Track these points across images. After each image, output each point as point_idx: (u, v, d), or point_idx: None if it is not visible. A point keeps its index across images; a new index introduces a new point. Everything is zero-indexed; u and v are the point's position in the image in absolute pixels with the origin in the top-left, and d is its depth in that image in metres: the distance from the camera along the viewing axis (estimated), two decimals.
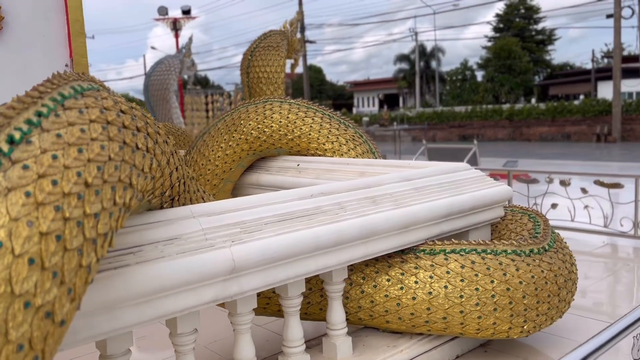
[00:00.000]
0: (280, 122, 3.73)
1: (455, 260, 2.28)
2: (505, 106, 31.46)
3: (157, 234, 1.61)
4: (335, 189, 2.18)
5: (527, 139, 28.35)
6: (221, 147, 3.82)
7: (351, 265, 2.32)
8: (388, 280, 2.29)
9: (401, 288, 2.27)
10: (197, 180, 3.87)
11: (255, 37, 5.89)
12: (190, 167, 3.93)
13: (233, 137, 3.79)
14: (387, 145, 21.81)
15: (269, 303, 2.38)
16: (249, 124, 3.76)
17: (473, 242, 2.36)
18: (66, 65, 2.81)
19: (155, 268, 1.52)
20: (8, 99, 2.54)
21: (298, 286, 2.02)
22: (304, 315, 2.42)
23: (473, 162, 6.37)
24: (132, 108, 1.53)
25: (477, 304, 2.21)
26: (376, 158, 3.80)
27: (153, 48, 43.12)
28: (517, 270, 2.27)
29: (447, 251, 2.32)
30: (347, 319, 2.37)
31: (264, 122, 3.74)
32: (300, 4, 43.23)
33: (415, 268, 2.29)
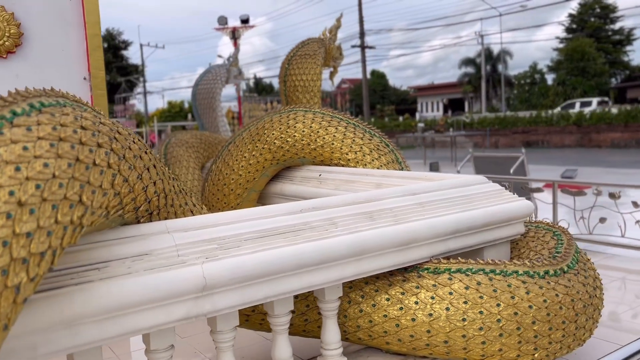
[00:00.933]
0: (303, 131, 3.68)
1: (460, 280, 2.15)
2: (573, 111, 29.97)
3: (126, 250, 1.60)
4: (329, 203, 2.10)
5: (597, 146, 26.86)
6: (245, 157, 3.82)
7: (350, 282, 2.23)
8: (387, 299, 2.18)
9: (401, 308, 2.16)
10: (220, 189, 3.89)
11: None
12: (215, 177, 3.96)
13: (257, 146, 3.79)
14: (445, 152, 21.32)
15: (264, 319, 2.33)
16: (273, 134, 3.74)
17: (481, 262, 2.21)
18: (84, 79, 2.90)
19: (120, 285, 1.50)
20: None
21: (285, 304, 1.96)
22: (303, 333, 2.35)
23: (521, 171, 6.06)
24: (100, 124, 1.53)
25: (480, 329, 2.07)
26: (402, 168, 3.69)
27: (220, 56, 44.31)
28: (528, 293, 2.11)
29: (452, 270, 2.19)
30: (346, 338, 2.29)
31: (287, 131, 3.71)
32: (360, 10, 43.23)
33: (417, 287, 2.17)
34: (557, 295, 2.14)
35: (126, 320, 1.53)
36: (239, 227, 1.83)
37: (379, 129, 3.93)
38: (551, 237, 2.57)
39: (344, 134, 3.67)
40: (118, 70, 34.23)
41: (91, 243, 1.56)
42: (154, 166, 1.75)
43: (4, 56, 2.67)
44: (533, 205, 2.61)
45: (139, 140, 1.74)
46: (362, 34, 44.36)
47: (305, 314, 2.28)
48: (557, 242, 2.50)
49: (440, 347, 2.12)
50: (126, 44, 38.36)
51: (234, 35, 22.00)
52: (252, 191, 3.91)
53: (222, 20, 22.21)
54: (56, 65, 2.82)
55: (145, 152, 1.72)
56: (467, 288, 2.12)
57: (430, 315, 2.11)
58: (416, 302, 2.14)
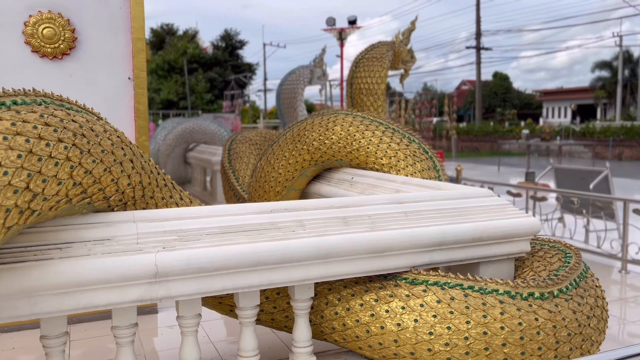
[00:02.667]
0: (341, 134, 3.74)
1: (434, 293, 2.11)
2: None
3: (90, 234, 1.80)
4: (302, 206, 2.17)
5: None
6: (285, 157, 3.96)
7: (330, 284, 2.28)
8: (361, 305, 2.20)
9: (372, 315, 2.16)
10: (262, 186, 4.07)
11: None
12: (258, 174, 4.15)
13: (297, 147, 3.91)
14: (555, 161, 19.96)
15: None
16: (312, 135, 3.84)
17: (461, 277, 2.15)
18: (129, 78, 3.20)
19: (77, 264, 1.70)
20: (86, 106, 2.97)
21: (250, 298, 2.06)
22: (285, 329, 2.44)
23: (604, 187, 5.54)
24: (72, 121, 1.73)
25: (447, 344, 2.02)
26: (439, 175, 3.63)
27: (338, 56, 45.07)
28: (502, 314, 2.02)
29: (429, 283, 2.15)
30: (324, 339, 2.34)
31: (325, 133, 3.79)
32: (478, 9, 41.76)
33: (390, 296, 2.16)
34: (536, 319, 2.02)
35: (82, 297, 1.72)
36: (204, 222, 1.96)
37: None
38: (559, 258, 2.42)
39: (380, 139, 3.68)
40: (232, 68, 36.25)
41: (60, 225, 1.78)
42: (131, 161, 1.93)
43: (60, 57, 3.04)
44: (539, 223, 2.45)
45: (117, 138, 1.93)
46: (478, 35, 42.79)
47: (286, 310, 2.36)
48: (562, 264, 2.34)
49: (407, 358, 2.10)
50: (242, 44, 40.51)
51: (341, 36, 22.35)
52: (292, 190, 4.04)
53: (330, 22, 22.66)
54: (105, 66, 3.15)
55: (122, 149, 1.91)
56: (439, 302, 2.08)
57: (399, 325, 2.10)
58: (387, 311, 2.14)
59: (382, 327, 2.13)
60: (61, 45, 3.01)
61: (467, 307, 2.05)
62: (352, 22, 22.58)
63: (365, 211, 2.21)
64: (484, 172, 15.72)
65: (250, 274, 1.93)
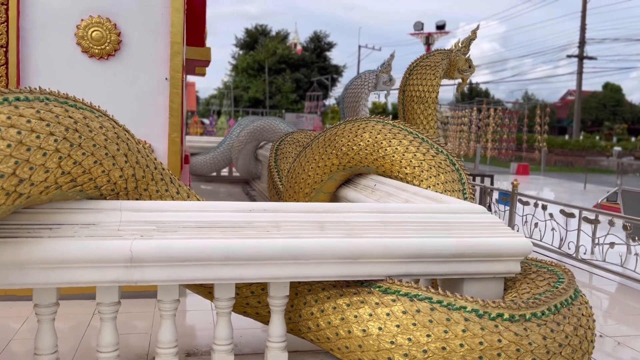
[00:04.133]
0: (368, 141, 3.80)
1: (402, 304, 2.14)
2: None
3: (79, 218, 2.02)
4: (282, 208, 2.27)
5: None
6: (315, 160, 4.08)
7: (310, 285, 2.37)
8: (334, 308, 2.27)
9: (342, 319, 2.23)
10: (292, 186, 4.21)
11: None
12: (290, 175, 4.30)
13: (326, 151, 4.01)
14: None
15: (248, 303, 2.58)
16: (341, 141, 3.93)
17: (432, 291, 2.16)
18: (166, 79, 3.46)
19: (62, 244, 1.93)
20: (123, 104, 3.29)
21: (225, 290, 2.20)
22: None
23: None
24: (68, 117, 1.96)
25: (405, 355, 2.05)
26: (464, 188, 3.59)
27: None
28: (464, 331, 2.01)
29: (400, 293, 2.18)
30: (302, 337, 2.43)
31: (354, 139, 3.86)
32: (583, 16, 39.51)
33: (362, 302, 2.22)
34: (499, 340, 2.00)
35: (66, 273, 1.95)
36: (183, 216, 2.13)
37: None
38: (548, 282, 2.34)
39: (407, 148, 3.69)
40: (319, 70, 36.92)
41: (53, 208, 2.02)
42: (125, 155, 2.14)
43: (106, 58, 3.36)
44: (530, 245, 2.38)
45: (114, 134, 2.14)
46: (581, 43, 40.45)
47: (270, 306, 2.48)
48: (549, 288, 2.27)
49: None
50: (330, 46, 41.20)
51: (428, 41, 22.06)
52: (320, 192, 4.15)
53: (418, 26, 22.43)
54: (145, 67, 3.43)
55: (116, 144, 2.12)
56: (404, 312, 2.11)
57: (364, 331, 2.15)
58: (355, 316, 2.19)
59: (349, 332, 2.19)
60: (107, 47, 3.33)
61: (430, 321, 2.06)
62: (441, 27, 22.22)
63: (345, 218, 2.28)
64: (567, 189, 14.86)
65: (220, 267, 2.07)
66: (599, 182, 16.54)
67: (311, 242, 2.14)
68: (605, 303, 4.60)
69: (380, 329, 2.12)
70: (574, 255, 5.17)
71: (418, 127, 5.75)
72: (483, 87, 50.99)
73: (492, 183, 9.24)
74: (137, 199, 2.24)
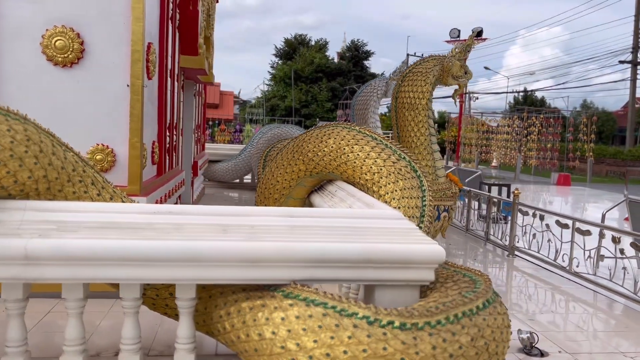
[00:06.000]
0: (332, 147, 3.79)
1: (298, 308, 2.12)
2: None
3: None
4: (188, 210, 2.30)
5: None
6: (283, 165, 4.09)
7: (222, 288, 2.38)
8: (239, 311, 2.27)
9: (244, 322, 2.23)
10: (262, 192, 4.23)
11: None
12: (262, 180, 4.33)
13: (294, 157, 4.02)
14: None
15: (167, 304, 2.62)
16: (308, 147, 3.93)
17: (329, 296, 2.13)
18: (127, 85, 3.56)
19: None
20: (87, 110, 3.41)
21: (130, 290, 2.24)
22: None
23: None
24: None
25: None
26: (424, 195, 3.53)
27: (486, 68, 43.80)
28: (350, 338, 1.98)
29: (299, 297, 2.16)
30: (218, 339, 2.44)
31: (319, 145, 3.86)
32: (637, 19, 37.90)
33: (263, 306, 2.21)
34: (384, 348, 1.95)
35: None
36: (86, 216, 2.19)
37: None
38: (460, 290, 2.27)
39: (368, 154, 3.66)
40: (355, 78, 36.89)
41: None
42: (35, 157, 2.22)
43: (69, 66, 3.50)
44: (443, 252, 2.30)
45: (24, 137, 2.23)
46: (635, 48, 38.83)
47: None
48: (457, 296, 2.20)
49: None
50: (368, 54, 41.09)
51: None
52: (290, 198, 4.15)
53: (454, 33, 22.12)
54: (108, 74, 3.55)
55: (25, 147, 2.20)
56: (297, 317, 2.09)
57: (260, 335, 2.14)
58: (254, 320, 2.19)
59: (247, 335, 2.19)
60: (70, 55, 3.47)
61: (319, 327, 2.03)
62: (477, 34, 21.81)
63: (250, 221, 2.29)
64: (603, 201, 14.21)
65: (118, 267, 2.11)
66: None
67: (210, 245, 2.15)
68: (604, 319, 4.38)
69: (273, 333, 2.10)
70: (567, 267, 4.95)
71: (409, 134, 5.68)
72: (539, 95, 49.40)
73: (508, 193, 8.97)
74: (51, 200, 2.32)
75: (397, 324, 2.01)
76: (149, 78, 3.90)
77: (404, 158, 3.67)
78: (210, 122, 23.54)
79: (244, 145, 12.39)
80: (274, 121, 29.40)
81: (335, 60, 40.72)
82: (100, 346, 2.98)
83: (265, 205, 4.28)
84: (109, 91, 3.56)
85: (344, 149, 3.74)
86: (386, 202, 3.39)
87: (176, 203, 5.59)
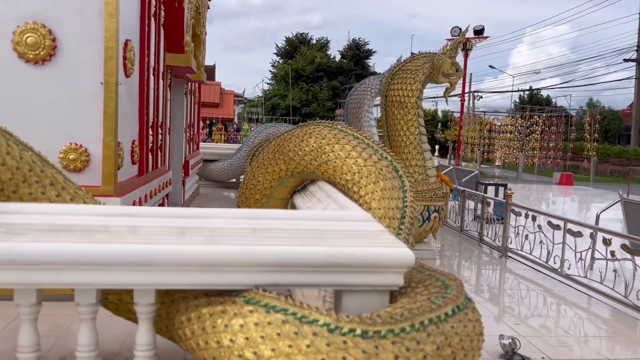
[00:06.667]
0: (313, 146, 3.69)
1: (258, 315, 2.02)
2: None
3: None
4: (144, 212, 2.21)
5: None
6: (264, 165, 4.00)
7: (184, 293, 2.29)
8: (199, 317, 2.18)
9: (203, 329, 2.14)
10: (244, 192, 4.13)
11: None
12: (244, 180, 4.23)
13: (275, 156, 3.93)
14: None
15: (130, 309, 2.52)
16: (289, 146, 3.84)
17: (290, 302, 2.04)
18: (101, 83, 3.47)
19: None
20: (60, 108, 3.33)
21: (85, 295, 2.15)
22: (159, 331, 2.48)
23: None
24: None
25: None
26: (405, 195, 3.43)
27: (491, 67, 43.55)
28: (308, 346, 1.88)
29: (260, 303, 2.07)
30: (180, 345, 2.35)
31: (299, 145, 3.77)
32: None
33: (223, 312, 2.12)
34: (344, 358, 1.85)
35: None
36: (37, 219, 2.10)
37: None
38: (430, 295, 2.16)
39: (348, 153, 3.56)
40: (356, 77, 36.70)
41: None
42: None
43: (41, 63, 3.41)
44: (412, 256, 2.20)
45: None
46: (639, 46, 38.60)
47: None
48: (425, 302, 2.10)
49: None
50: (369, 53, 40.90)
51: (465, 47, 21.54)
52: (271, 198, 4.06)
53: (455, 31, 21.95)
54: (81, 72, 3.46)
55: None
56: (256, 324, 1.99)
57: (218, 342, 2.05)
58: (213, 327, 2.10)
59: (206, 343, 2.10)
60: (42, 52, 3.38)
61: (278, 334, 1.94)
62: (479, 32, 21.65)
63: (210, 224, 2.20)
64: (603, 201, 14.04)
65: (68, 272, 2.02)
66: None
67: (166, 249, 2.06)
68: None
69: (231, 340, 2.01)
70: (559, 270, 4.84)
71: (399, 133, 5.58)
72: (544, 93, 49.08)
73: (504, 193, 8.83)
74: (4, 202, 2.24)
75: (358, 331, 1.91)
76: (127, 76, 3.81)
77: (386, 158, 3.57)
78: (208, 121, 23.45)
79: (240, 145, 12.31)
80: (273, 120, 29.32)
81: (339, 59, 40.62)
82: (72, 349, 2.89)
83: (247, 206, 4.19)
84: (82, 89, 3.47)
85: (325, 148, 3.65)
86: (366, 202, 3.29)
87: (162, 203, 5.50)
